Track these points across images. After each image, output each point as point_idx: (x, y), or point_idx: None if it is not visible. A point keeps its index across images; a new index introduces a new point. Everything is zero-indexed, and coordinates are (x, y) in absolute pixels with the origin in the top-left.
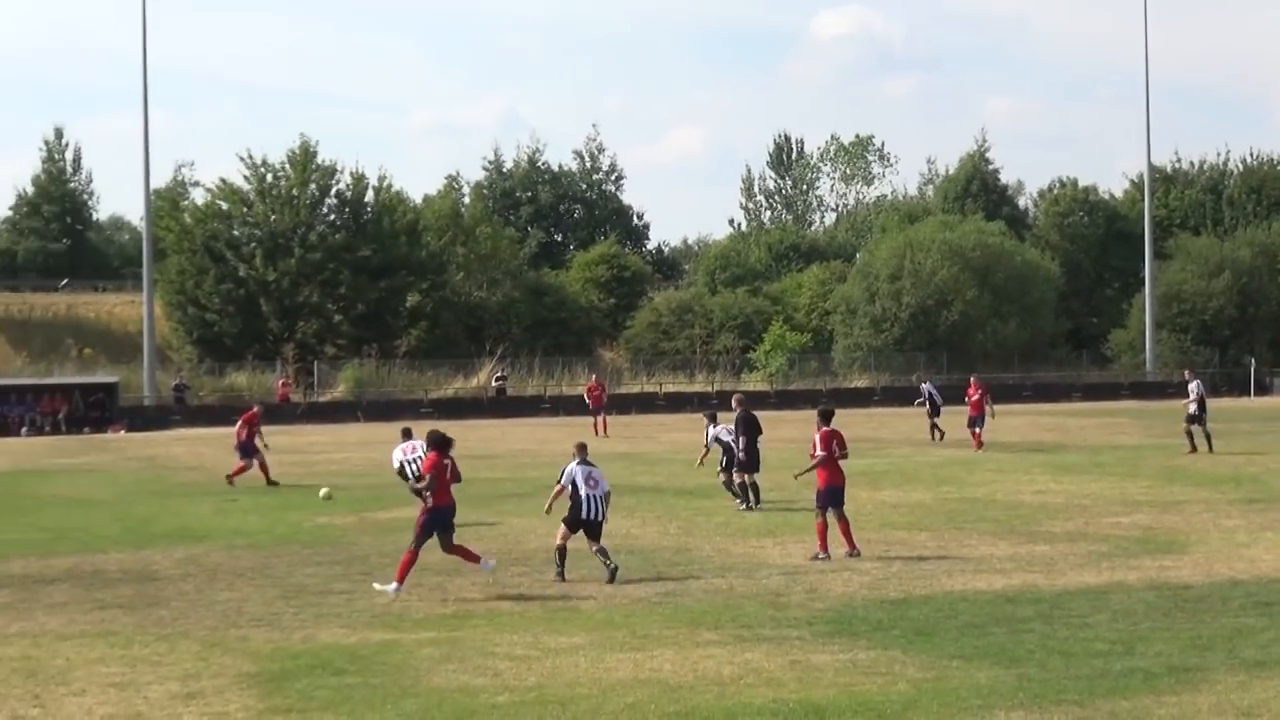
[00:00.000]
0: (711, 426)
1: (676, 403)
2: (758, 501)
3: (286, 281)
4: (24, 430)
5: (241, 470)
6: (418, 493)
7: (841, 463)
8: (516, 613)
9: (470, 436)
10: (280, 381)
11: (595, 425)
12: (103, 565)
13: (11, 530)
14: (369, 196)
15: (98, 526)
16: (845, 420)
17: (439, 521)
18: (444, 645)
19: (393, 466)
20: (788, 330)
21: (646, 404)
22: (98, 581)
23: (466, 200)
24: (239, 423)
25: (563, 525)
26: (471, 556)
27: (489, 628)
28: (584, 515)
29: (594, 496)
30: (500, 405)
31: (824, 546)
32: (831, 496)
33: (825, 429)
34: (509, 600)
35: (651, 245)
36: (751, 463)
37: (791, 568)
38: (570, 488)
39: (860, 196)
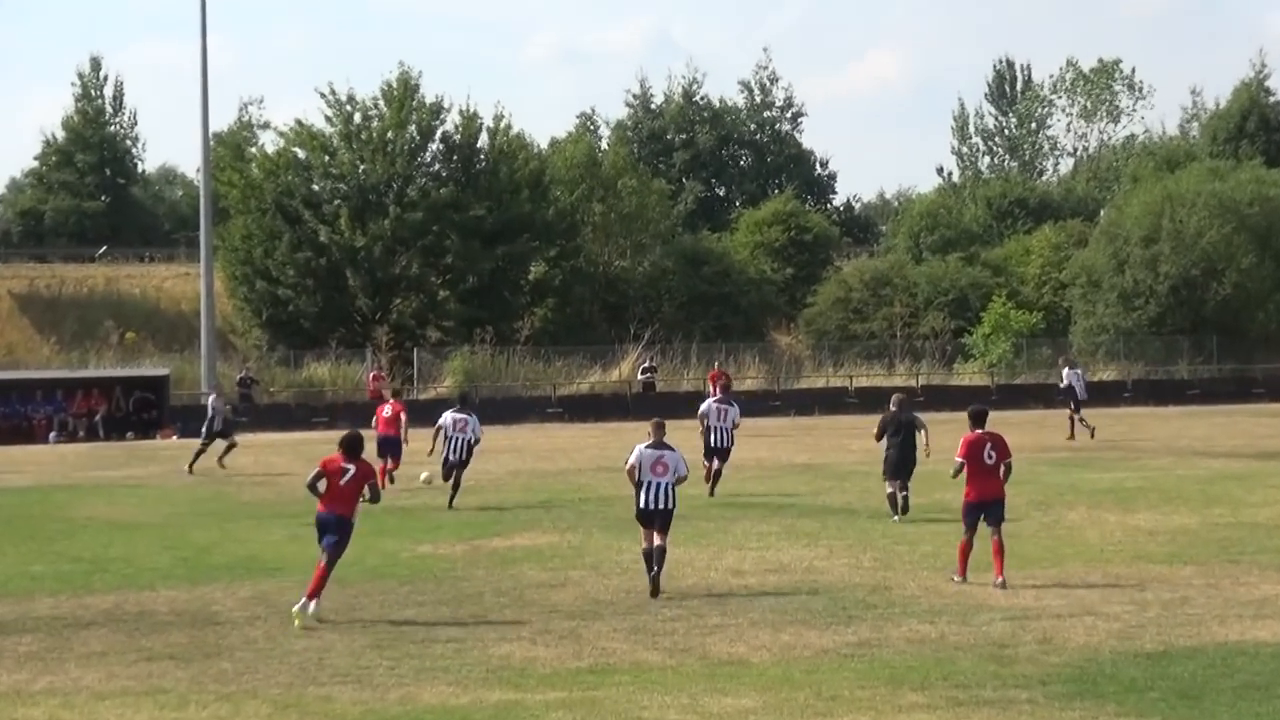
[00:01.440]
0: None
1: (871, 400)
2: (905, 511)
3: (379, 248)
4: (52, 435)
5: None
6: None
7: (1002, 471)
8: (670, 667)
9: (611, 443)
10: (371, 374)
11: None
12: (150, 605)
13: (39, 561)
14: (483, 141)
15: (144, 557)
16: (1096, 421)
17: (320, 527)
18: (578, 709)
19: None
20: (1012, 308)
21: (833, 402)
22: (144, 626)
23: (605, 146)
24: (391, 412)
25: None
26: (314, 586)
27: (634, 686)
28: (642, 504)
29: (658, 484)
30: (648, 403)
31: (962, 569)
32: (980, 511)
33: (975, 433)
34: (659, 651)
35: (838, 201)
36: (901, 469)
37: (1019, 611)
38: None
39: (1104, 138)
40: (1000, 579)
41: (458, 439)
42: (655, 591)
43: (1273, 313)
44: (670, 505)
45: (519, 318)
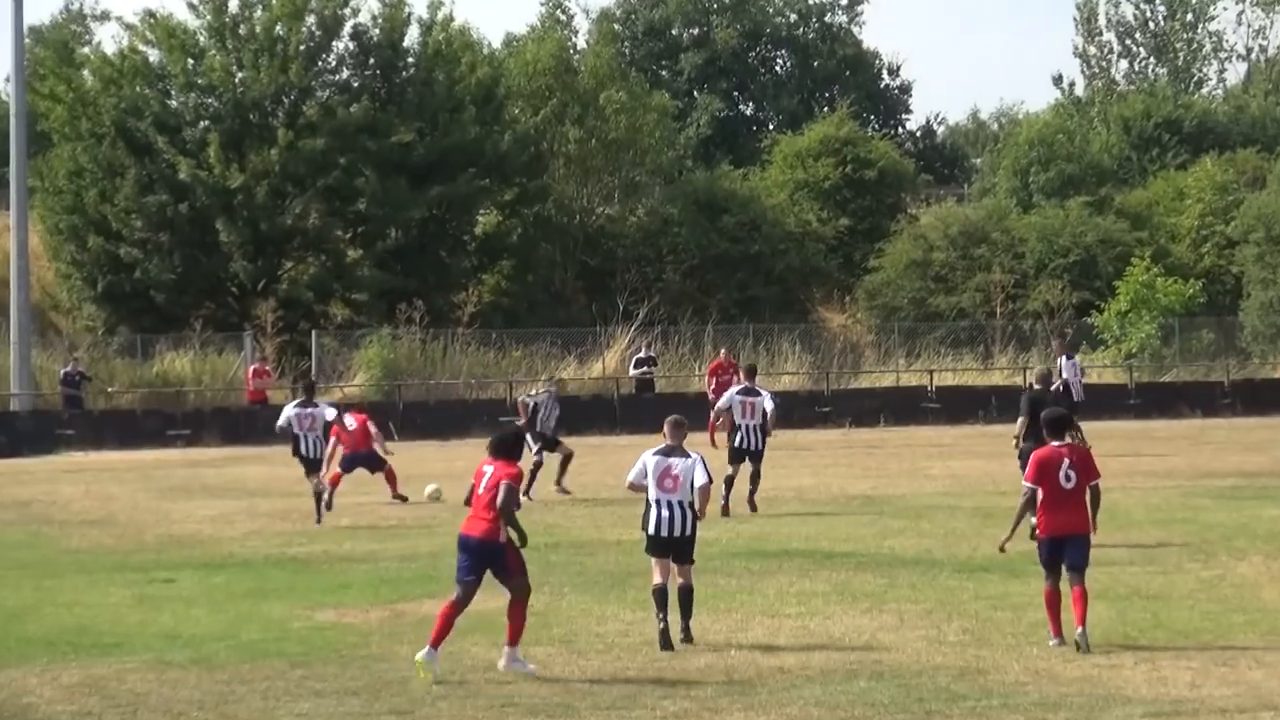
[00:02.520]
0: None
1: (959, 405)
2: None
3: (263, 190)
4: None
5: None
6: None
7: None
8: None
9: (591, 465)
10: (252, 368)
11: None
12: None
13: None
14: (411, 38)
15: None
16: (1257, 437)
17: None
18: None
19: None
20: (1160, 275)
21: (905, 407)
22: None
23: (582, 43)
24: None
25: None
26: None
27: None
28: (650, 529)
29: (669, 502)
30: (644, 409)
31: (1055, 627)
32: (1058, 551)
33: (1050, 446)
34: None
35: (914, 124)
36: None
37: (1169, 703)
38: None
39: None
40: (1081, 629)
41: (307, 438)
42: (667, 644)
43: None
44: (686, 531)
45: (461, 288)
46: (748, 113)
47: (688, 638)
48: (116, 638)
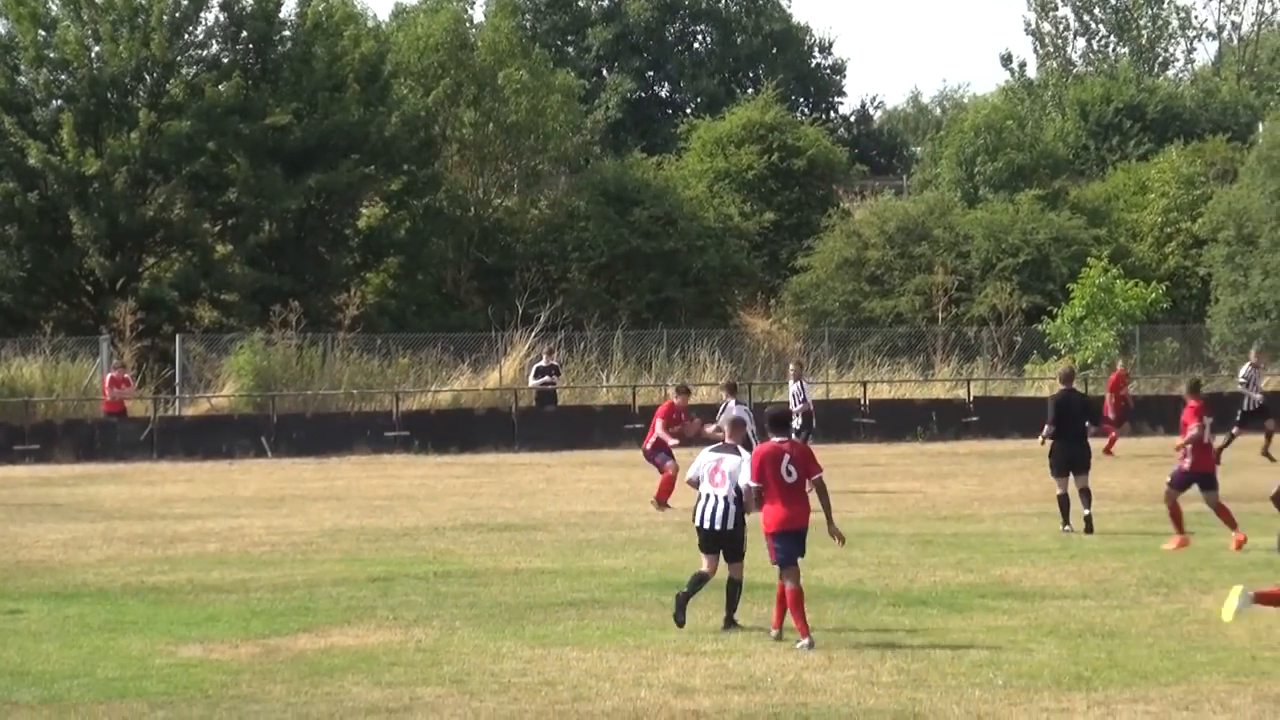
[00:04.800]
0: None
1: (896, 421)
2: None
3: (122, 178)
4: None
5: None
6: None
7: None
8: None
9: (486, 486)
10: (109, 375)
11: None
12: None
13: None
14: (288, 9)
15: None
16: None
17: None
18: None
19: None
20: (1119, 277)
21: (837, 422)
22: None
23: (479, 16)
24: None
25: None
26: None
27: None
28: (696, 520)
29: (715, 497)
30: (545, 423)
31: (1178, 525)
32: (785, 544)
33: (771, 442)
34: None
35: (848, 108)
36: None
37: None
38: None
39: (1267, 9)
40: (778, 631)
41: None
42: (681, 618)
43: None
44: (732, 526)
45: (343, 288)
46: (662, 94)
47: (731, 626)
48: None
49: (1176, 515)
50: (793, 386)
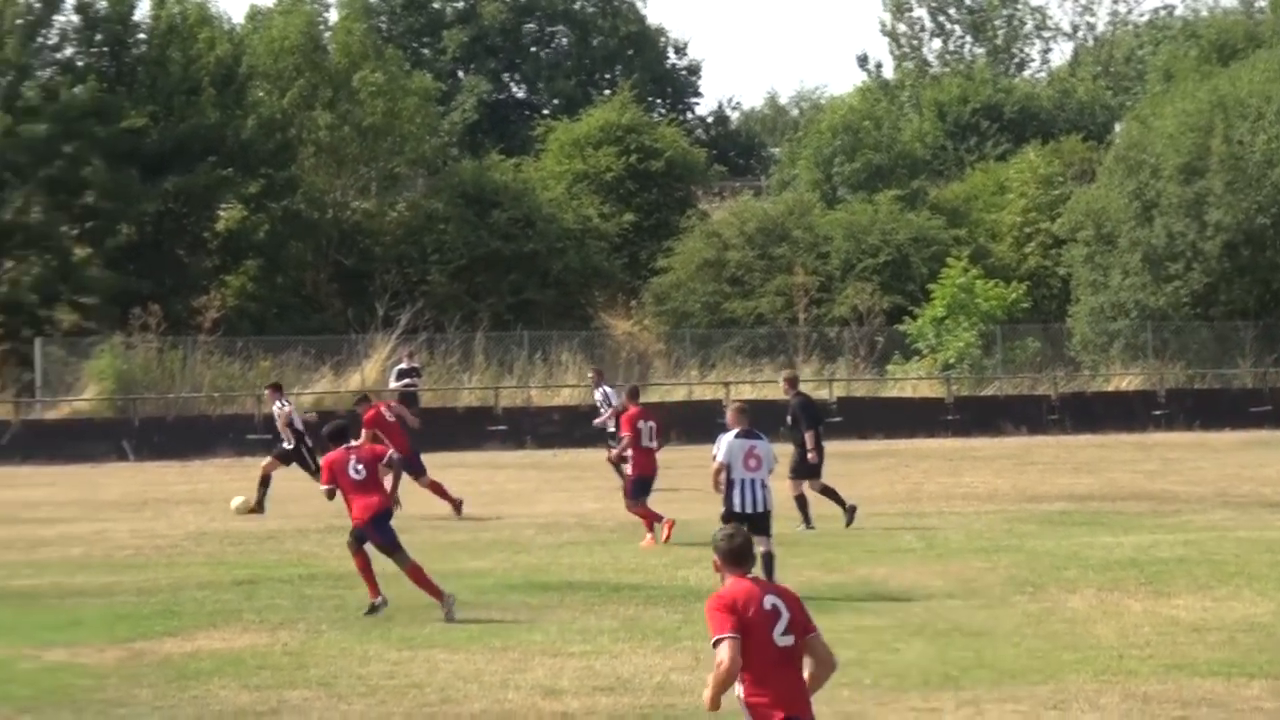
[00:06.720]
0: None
1: (758, 421)
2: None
3: None
4: None
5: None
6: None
7: None
8: None
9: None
10: None
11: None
12: None
13: None
14: (142, 11)
15: None
16: (1088, 456)
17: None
18: None
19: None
20: (979, 277)
21: (698, 423)
22: None
23: (332, 18)
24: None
25: None
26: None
27: None
28: (737, 506)
29: (753, 481)
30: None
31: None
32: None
33: (341, 450)
34: None
35: (705, 108)
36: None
37: None
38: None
39: (1121, 10)
40: (382, 599)
41: None
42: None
43: None
44: (768, 506)
45: (202, 291)
46: (519, 96)
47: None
48: None
49: None
50: (597, 394)
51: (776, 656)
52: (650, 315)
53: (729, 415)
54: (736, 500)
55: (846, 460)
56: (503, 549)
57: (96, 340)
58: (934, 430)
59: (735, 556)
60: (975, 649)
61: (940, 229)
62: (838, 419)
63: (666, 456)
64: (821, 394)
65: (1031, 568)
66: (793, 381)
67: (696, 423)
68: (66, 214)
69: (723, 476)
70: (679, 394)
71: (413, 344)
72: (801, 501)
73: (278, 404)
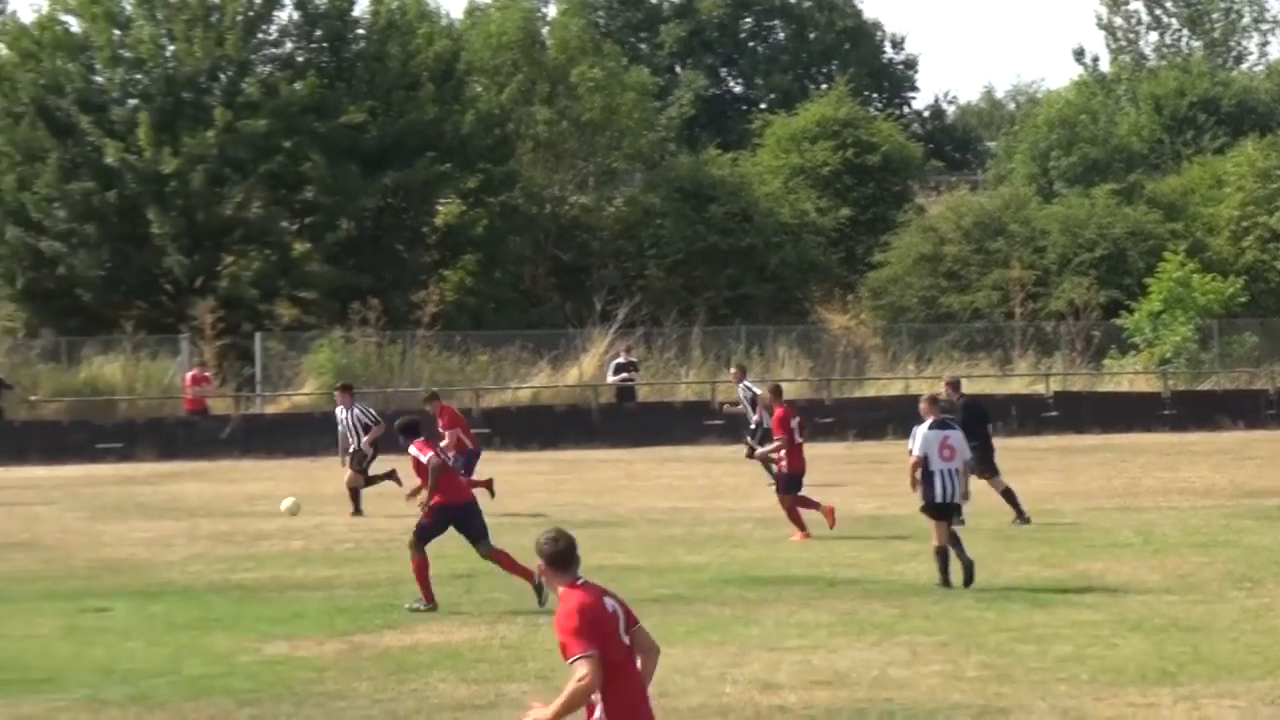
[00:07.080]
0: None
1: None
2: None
3: (199, 176)
4: None
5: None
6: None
7: None
8: None
9: (566, 481)
10: (189, 374)
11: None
12: None
13: None
14: (361, 8)
15: None
16: None
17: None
18: None
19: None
20: (1197, 271)
21: (916, 416)
22: None
23: (550, 13)
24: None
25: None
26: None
27: None
28: (937, 496)
29: (949, 471)
30: (624, 419)
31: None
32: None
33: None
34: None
35: (922, 103)
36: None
37: None
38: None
39: None
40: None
41: None
42: (970, 579)
43: None
44: (961, 495)
45: (421, 285)
46: (736, 90)
47: (970, 575)
48: (46, 673)
49: None
50: (740, 390)
51: (622, 657)
52: (867, 309)
53: (922, 406)
54: (938, 490)
55: (1063, 454)
56: (719, 543)
57: (316, 335)
58: (1150, 425)
59: (563, 560)
60: (1192, 644)
61: (1157, 223)
62: (1054, 413)
63: (882, 451)
64: (1038, 388)
65: (1249, 563)
66: (954, 385)
67: (913, 417)
68: (286, 209)
69: (919, 471)
70: (896, 388)
71: (630, 338)
72: (1009, 495)
73: (353, 409)
